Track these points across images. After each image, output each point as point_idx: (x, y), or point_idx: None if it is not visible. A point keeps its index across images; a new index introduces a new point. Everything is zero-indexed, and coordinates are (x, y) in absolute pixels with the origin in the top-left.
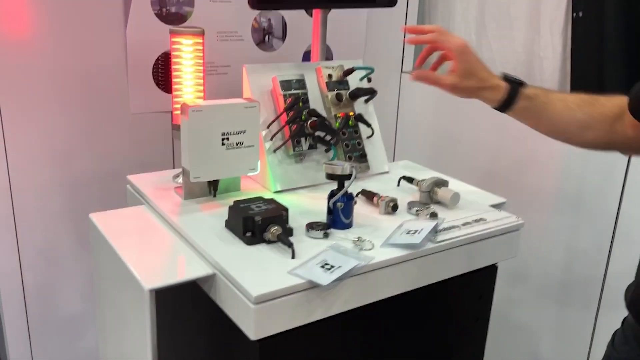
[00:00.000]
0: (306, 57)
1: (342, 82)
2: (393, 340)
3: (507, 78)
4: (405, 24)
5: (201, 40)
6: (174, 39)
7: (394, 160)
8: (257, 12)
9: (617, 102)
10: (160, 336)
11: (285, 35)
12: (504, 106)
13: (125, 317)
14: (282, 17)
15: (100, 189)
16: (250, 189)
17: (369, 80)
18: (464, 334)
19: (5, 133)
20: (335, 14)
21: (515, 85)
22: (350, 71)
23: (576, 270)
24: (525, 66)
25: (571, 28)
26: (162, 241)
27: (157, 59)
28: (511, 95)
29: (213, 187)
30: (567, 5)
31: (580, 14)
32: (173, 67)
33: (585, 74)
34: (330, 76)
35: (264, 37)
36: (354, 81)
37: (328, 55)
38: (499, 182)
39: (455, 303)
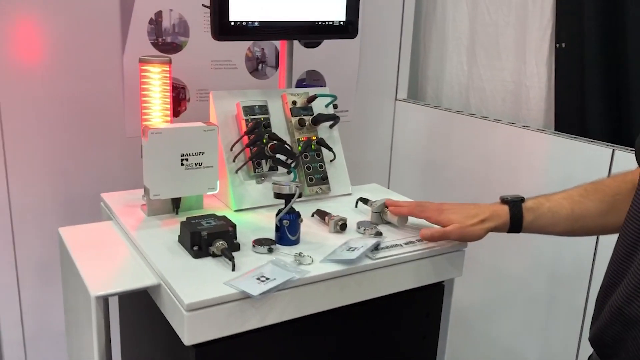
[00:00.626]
0: (299, 84)
1: (306, 109)
2: (337, 355)
3: (505, 200)
4: (399, 52)
5: (168, 69)
6: (142, 67)
7: (388, 187)
8: (250, 41)
9: (626, 178)
10: (123, 342)
11: (278, 63)
12: (515, 227)
13: (81, 323)
14: (275, 47)
15: (96, 207)
16: (212, 207)
17: (335, 107)
18: (412, 352)
19: (7, 153)
20: (328, 43)
21: (515, 203)
22: (313, 98)
23: (560, 295)
24: (513, 94)
25: (555, 58)
26: (119, 254)
27: None
28: (515, 215)
29: (175, 205)
30: (551, 37)
31: (563, 45)
32: (142, 93)
33: (569, 102)
34: (294, 102)
35: (257, 66)
36: (320, 108)
37: (321, 83)
38: None
39: (402, 320)
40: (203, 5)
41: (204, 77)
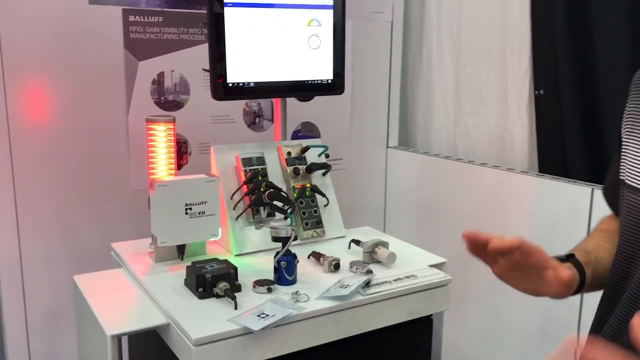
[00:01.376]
0: (295, 134)
1: (300, 158)
2: None
3: (561, 259)
4: (389, 102)
5: (172, 127)
6: (149, 126)
7: (384, 230)
8: None
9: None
10: None
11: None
12: (581, 288)
13: None
14: (271, 101)
15: (104, 257)
16: (215, 252)
17: (327, 156)
18: None
19: (19, 208)
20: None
21: (570, 257)
22: (306, 149)
23: (552, 331)
24: (498, 139)
25: (535, 104)
26: (130, 297)
27: None
28: (579, 269)
29: (180, 252)
30: (530, 84)
31: (542, 91)
32: (149, 149)
33: (550, 145)
34: (289, 153)
35: (254, 119)
36: (313, 157)
37: (316, 134)
38: None
39: (394, 353)
40: (203, 69)
41: (204, 132)
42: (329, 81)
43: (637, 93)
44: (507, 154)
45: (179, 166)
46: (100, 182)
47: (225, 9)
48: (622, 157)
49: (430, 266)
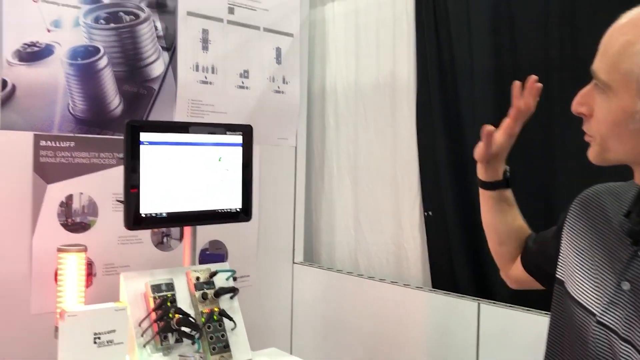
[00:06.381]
0: (203, 253)
1: (208, 283)
2: None
3: (507, 172)
4: (294, 220)
5: (84, 256)
6: (60, 255)
7: (291, 349)
8: None
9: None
10: None
11: (182, 236)
12: (486, 186)
13: None
14: None
15: None
16: None
17: (235, 279)
18: None
19: None
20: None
21: (504, 182)
22: (214, 274)
23: None
24: (395, 255)
25: (425, 224)
26: None
27: None
28: (495, 185)
29: None
30: (420, 206)
31: (430, 213)
32: (58, 278)
33: (440, 262)
34: (198, 278)
35: (162, 239)
36: (221, 280)
37: (223, 252)
38: None
39: None
40: (117, 200)
41: (111, 253)
42: (238, 209)
43: (580, 215)
44: (404, 269)
45: None
46: None
47: (141, 146)
48: (561, 258)
49: None
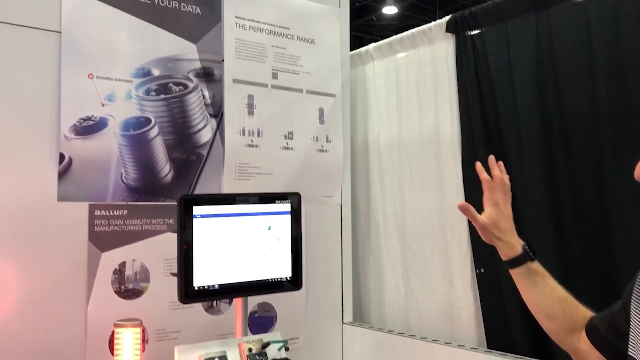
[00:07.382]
0: (252, 315)
1: (261, 354)
2: None
3: (525, 246)
4: (342, 279)
5: (139, 330)
6: (116, 330)
7: None
8: None
9: (586, 315)
10: None
11: (231, 300)
12: (510, 264)
13: None
14: None
15: None
16: None
17: (287, 349)
18: None
19: None
20: None
21: (525, 256)
22: (266, 344)
23: None
24: (447, 314)
25: (477, 282)
26: None
27: (113, 333)
28: (517, 261)
29: None
30: (471, 263)
31: (482, 270)
32: (115, 353)
33: (495, 321)
34: (250, 349)
35: (212, 303)
36: (273, 352)
37: (272, 314)
38: None
39: None
40: (171, 273)
41: (163, 318)
42: (287, 279)
43: None
44: (457, 328)
45: None
46: None
47: (194, 219)
48: (632, 334)
49: None
